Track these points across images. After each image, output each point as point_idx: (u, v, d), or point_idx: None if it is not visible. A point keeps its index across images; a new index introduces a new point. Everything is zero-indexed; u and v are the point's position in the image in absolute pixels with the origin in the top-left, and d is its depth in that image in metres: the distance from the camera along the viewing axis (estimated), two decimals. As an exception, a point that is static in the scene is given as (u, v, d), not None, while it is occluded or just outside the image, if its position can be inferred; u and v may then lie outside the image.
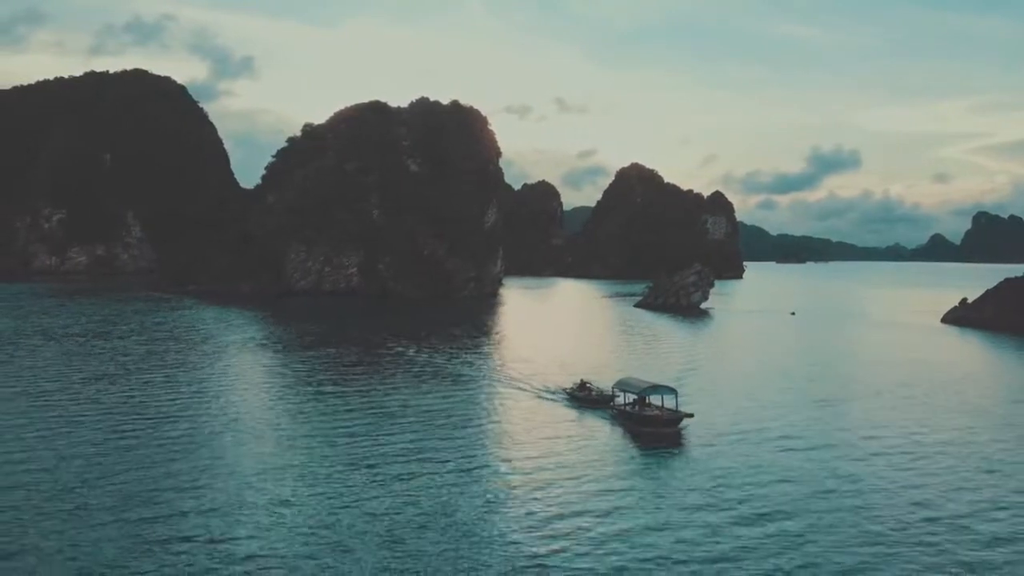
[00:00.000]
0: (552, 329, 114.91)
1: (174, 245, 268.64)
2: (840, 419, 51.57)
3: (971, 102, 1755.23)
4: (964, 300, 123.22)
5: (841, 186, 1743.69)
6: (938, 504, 34.22)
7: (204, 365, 69.58)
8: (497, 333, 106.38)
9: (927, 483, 37.32)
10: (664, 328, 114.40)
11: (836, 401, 57.84)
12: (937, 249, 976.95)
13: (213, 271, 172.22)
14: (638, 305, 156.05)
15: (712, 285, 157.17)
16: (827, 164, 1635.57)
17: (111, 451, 39.96)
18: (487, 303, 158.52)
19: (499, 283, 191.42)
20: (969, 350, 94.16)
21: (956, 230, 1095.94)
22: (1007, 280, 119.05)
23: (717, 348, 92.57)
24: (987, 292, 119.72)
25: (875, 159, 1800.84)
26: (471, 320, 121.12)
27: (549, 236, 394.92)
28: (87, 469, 36.69)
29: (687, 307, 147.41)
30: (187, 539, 28.57)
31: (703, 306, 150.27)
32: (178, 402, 52.73)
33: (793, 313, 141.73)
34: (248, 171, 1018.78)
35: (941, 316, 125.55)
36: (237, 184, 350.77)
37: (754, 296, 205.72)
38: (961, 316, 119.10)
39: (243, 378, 63.97)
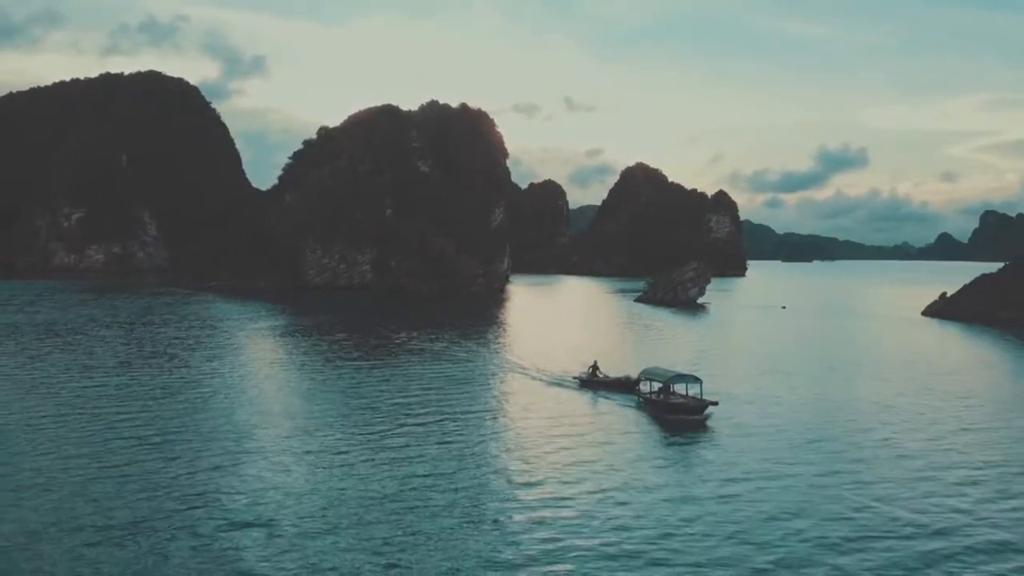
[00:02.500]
0: (557, 321, 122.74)
1: (193, 243, 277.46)
2: (831, 399, 56.64)
3: (979, 100, 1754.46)
4: (943, 294, 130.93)
5: (848, 184, 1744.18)
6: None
7: (243, 347, 78.17)
8: (506, 325, 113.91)
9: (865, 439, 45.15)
10: (662, 320, 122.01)
11: (823, 384, 63.56)
12: (945, 248, 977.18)
13: (232, 268, 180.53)
14: (638, 300, 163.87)
15: (709, 281, 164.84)
16: (835, 162, 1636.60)
17: (183, 408, 48.27)
18: (495, 298, 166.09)
19: (506, 280, 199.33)
20: (936, 338, 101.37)
21: (964, 229, 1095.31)
22: (983, 275, 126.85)
23: (710, 338, 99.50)
24: (964, 287, 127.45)
25: (883, 157, 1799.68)
26: (480, 314, 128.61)
27: (555, 234, 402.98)
28: (170, 422, 44.92)
29: (685, 302, 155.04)
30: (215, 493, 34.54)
31: (700, 301, 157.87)
32: (225, 376, 61.01)
33: (784, 307, 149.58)
34: (258, 169, 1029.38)
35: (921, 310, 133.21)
36: (249, 183, 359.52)
37: (751, 292, 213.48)
38: (939, 309, 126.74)
39: (275, 358, 72.37)
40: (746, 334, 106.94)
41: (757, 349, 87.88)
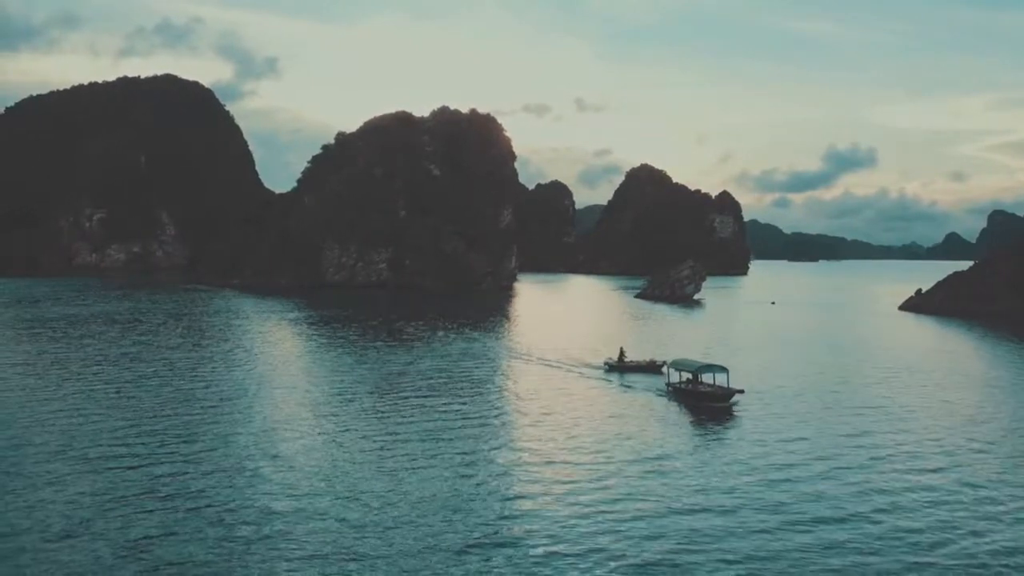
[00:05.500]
0: (563, 315, 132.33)
1: (212, 242, 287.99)
2: (819, 383, 62.87)
3: (989, 99, 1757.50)
4: (919, 290, 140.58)
5: (857, 184, 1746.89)
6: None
7: (282, 334, 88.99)
8: (517, 318, 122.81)
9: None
10: (659, 314, 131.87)
11: (803, 370, 72.96)
12: (953, 247, 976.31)
13: (254, 266, 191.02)
14: (638, 296, 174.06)
15: (704, 278, 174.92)
16: (843, 162, 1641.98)
17: (224, 384, 58.73)
18: (504, 295, 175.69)
19: (514, 278, 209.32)
20: (905, 328, 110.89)
21: (972, 228, 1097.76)
22: (955, 273, 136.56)
23: (703, 329, 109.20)
24: (938, 283, 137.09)
25: (892, 157, 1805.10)
26: (492, 309, 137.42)
27: (561, 234, 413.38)
28: (200, 391, 55.34)
29: (682, 298, 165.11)
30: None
31: (696, 297, 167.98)
32: (273, 357, 71.63)
33: (773, 303, 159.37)
34: (269, 169, 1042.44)
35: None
36: (262, 184, 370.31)
37: (748, 290, 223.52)
38: (916, 304, 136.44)
39: (312, 342, 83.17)
40: (733, 326, 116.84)
41: (741, 338, 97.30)
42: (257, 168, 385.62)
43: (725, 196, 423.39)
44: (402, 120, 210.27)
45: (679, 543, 27.78)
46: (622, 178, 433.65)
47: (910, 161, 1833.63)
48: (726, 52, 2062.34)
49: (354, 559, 25.98)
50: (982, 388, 62.13)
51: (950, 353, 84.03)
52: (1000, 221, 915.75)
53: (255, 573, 24.85)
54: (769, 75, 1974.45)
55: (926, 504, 32.90)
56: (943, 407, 53.59)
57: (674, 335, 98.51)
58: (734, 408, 50.82)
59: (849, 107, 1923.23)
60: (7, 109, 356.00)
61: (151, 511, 29.85)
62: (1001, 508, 32.56)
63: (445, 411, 48.97)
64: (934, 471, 37.80)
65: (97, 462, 36.14)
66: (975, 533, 29.68)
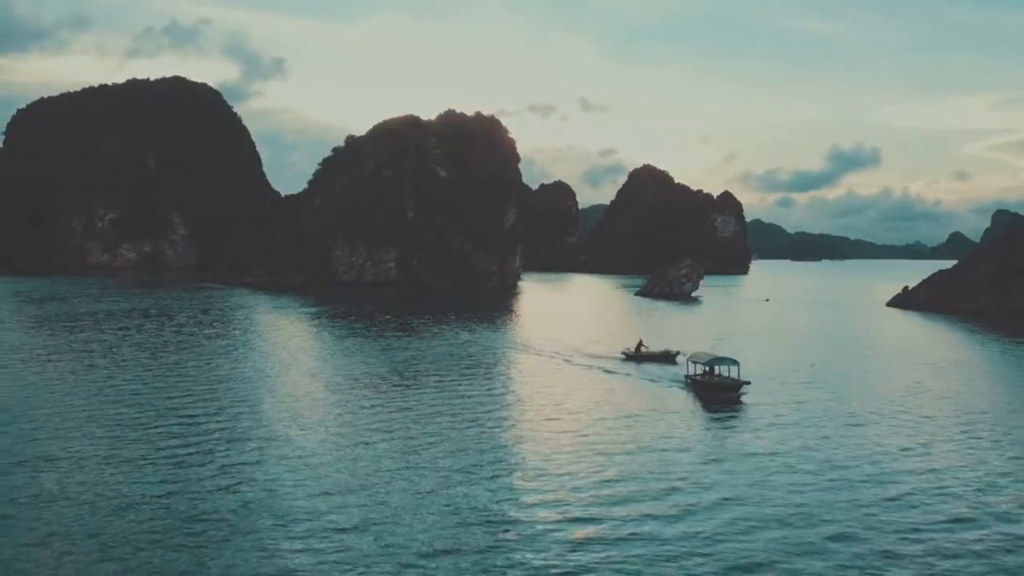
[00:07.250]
0: (567, 312, 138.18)
1: (223, 242, 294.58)
2: (810, 374, 69.05)
3: (993, 98, 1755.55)
4: (906, 287, 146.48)
5: (861, 184, 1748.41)
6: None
7: (295, 325, 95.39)
8: (523, 314, 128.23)
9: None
10: (659, 310, 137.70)
11: (794, 361, 78.31)
12: (957, 247, 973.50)
13: (267, 265, 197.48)
14: (638, 294, 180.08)
15: (702, 276, 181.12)
16: (847, 162, 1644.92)
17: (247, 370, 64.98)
18: (509, 293, 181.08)
19: (518, 277, 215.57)
20: (889, 324, 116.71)
21: (976, 228, 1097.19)
22: (940, 271, 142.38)
23: (700, 324, 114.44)
24: (923, 281, 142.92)
25: (895, 156, 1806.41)
26: (499, 306, 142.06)
27: (564, 234, 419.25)
28: (226, 374, 61.65)
29: (680, 295, 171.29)
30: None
31: (693, 294, 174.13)
32: (289, 347, 77.86)
33: (767, 300, 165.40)
34: (274, 169, 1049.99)
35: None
36: (269, 184, 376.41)
37: (746, 288, 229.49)
38: (902, 300, 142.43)
39: (319, 335, 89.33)
40: (728, 322, 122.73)
41: (737, 333, 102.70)
42: (264, 168, 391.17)
43: (727, 196, 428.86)
44: (410, 123, 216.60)
45: (689, 512, 31.06)
46: (626, 178, 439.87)
47: (913, 161, 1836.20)
48: (729, 52, 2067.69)
49: (368, 523, 28.72)
50: (955, 375, 68.07)
51: (925, 345, 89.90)
52: (1004, 220, 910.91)
53: (275, 540, 27.26)
54: (772, 75, 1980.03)
55: (914, 474, 36.85)
56: (908, 388, 59.87)
57: (674, 330, 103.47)
58: (742, 397, 55.19)
59: (852, 107, 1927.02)
60: (18, 111, 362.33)
61: (183, 475, 35.91)
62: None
63: (457, 394, 54.92)
64: (908, 446, 43.56)
65: (153, 432, 42.48)
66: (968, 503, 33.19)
